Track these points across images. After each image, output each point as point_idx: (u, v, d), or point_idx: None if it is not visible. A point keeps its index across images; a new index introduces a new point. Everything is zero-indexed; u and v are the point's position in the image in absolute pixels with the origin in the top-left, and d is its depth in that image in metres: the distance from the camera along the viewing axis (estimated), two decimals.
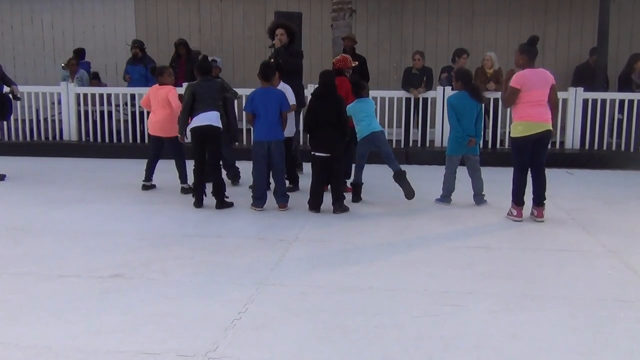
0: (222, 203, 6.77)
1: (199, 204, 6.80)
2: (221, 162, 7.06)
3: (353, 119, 7.00)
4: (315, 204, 6.61)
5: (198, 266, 4.84)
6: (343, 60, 7.60)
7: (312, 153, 6.66)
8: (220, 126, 6.81)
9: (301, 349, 3.42)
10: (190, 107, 6.83)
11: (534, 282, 4.56)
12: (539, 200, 6.29)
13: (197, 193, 6.84)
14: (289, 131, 7.30)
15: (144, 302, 4.09)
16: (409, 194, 6.85)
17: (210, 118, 6.72)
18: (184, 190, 7.50)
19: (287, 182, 7.27)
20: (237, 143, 7.05)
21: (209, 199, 6.84)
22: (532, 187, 6.30)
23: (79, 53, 11.98)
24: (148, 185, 7.74)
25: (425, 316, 3.88)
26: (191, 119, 6.89)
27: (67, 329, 3.64)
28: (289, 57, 7.76)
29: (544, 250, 5.41)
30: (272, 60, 7.56)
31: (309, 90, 9.13)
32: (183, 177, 7.61)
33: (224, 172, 7.24)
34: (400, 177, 6.89)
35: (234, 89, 7.58)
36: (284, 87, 7.18)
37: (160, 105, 7.54)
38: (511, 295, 4.25)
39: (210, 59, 8.13)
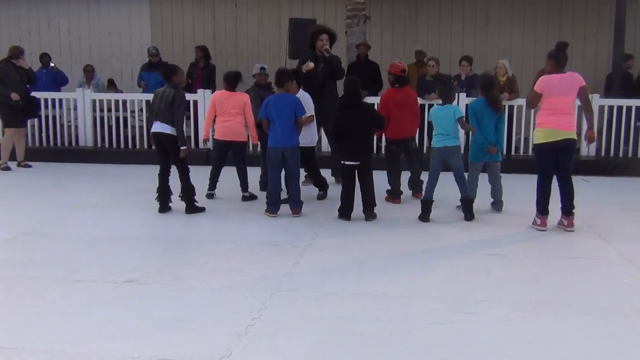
0: (192, 208, 6.77)
1: (162, 209, 6.77)
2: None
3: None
4: (345, 212, 6.58)
5: (212, 272, 4.85)
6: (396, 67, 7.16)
7: (342, 162, 6.64)
8: (172, 133, 6.65)
9: (315, 356, 3.41)
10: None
11: (549, 289, 4.52)
12: (568, 209, 6.11)
13: (161, 198, 6.79)
14: (312, 139, 7.45)
15: (158, 307, 4.10)
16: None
17: (161, 126, 6.68)
18: (245, 198, 7.45)
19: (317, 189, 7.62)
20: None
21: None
22: (560, 196, 6.16)
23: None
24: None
25: (439, 323, 3.86)
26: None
27: (82, 334, 3.66)
28: (340, 65, 7.91)
29: (560, 257, 5.37)
30: (312, 66, 7.81)
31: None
32: (244, 185, 7.53)
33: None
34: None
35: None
36: (303, 96, 7.19)
37: (233, 112, 7.45)
38: (527, 303, 4.22)
39: (259, 66, 8.11)
